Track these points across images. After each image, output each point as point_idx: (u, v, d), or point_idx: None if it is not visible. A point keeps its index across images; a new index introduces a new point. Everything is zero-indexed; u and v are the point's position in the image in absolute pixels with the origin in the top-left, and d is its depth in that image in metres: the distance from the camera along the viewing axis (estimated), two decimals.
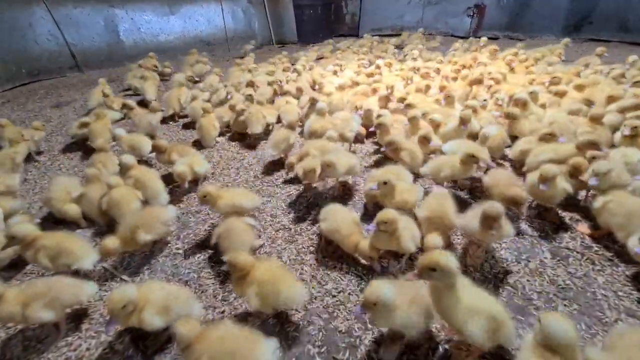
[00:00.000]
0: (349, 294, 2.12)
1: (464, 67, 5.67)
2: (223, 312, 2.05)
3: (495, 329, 1.48)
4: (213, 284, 2.25)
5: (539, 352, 1.32)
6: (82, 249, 2.22)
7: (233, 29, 10.43)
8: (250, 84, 5.24)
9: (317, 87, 5.35)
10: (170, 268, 2.40)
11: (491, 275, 2.18)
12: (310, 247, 2.52)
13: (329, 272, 2.28)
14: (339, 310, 2.02)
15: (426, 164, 2.94)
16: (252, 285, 1.82)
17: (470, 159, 2.68)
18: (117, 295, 1.69)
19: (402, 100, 4.10)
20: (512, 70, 5.45)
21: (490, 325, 1.47)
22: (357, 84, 4.96)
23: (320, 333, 1.89)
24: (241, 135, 4.39)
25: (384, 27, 11.33)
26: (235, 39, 10.47)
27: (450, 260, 1.48)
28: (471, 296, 1.53)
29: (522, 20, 9.51)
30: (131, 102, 4.60)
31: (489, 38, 9.81)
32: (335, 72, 6.12)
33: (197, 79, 6.41)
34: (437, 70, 5.53)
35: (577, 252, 2.33)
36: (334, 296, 2.10)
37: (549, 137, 2.93)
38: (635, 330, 1.49)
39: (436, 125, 3.49)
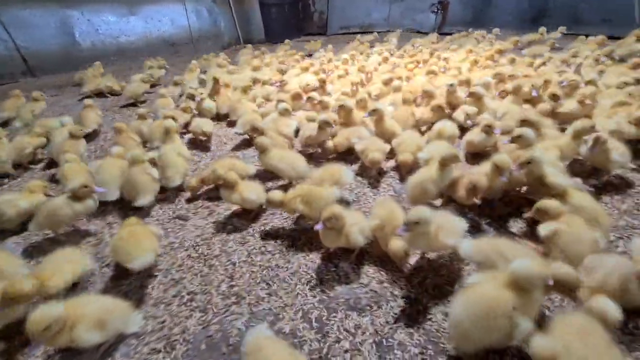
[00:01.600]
0: (297, 294, 2.06)
1: (418, 62, 5.74)
2: (164, 321, 1.95)
3: None
4: (155, 293, 2.14)
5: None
6: None
7: (198, 28, 10.17)
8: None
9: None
10: (108, 280, 2.27)
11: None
12: (261, 249, 2.45)
13: (278, 274, 2.22)
14: (285, 311, 1.96)
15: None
16: None
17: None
18: (38, 316, 1.56)
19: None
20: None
21: None
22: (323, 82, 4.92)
23: None
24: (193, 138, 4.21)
25: (353, 24, 11.38)
26: (201, 39, 10.22)
27: None
28: None
29: (484, 15, 9.79)
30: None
31: (452, 34, 10.06)
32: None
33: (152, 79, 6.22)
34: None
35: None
36: (281, 298, 2.05)
37: (488, 129, 3.00)
38: (576, 316, 1.47)
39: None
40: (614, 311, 1.44)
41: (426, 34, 10.23)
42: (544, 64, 5.36)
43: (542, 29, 7.39)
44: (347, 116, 3.58)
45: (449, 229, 1.96)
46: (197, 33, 10.16)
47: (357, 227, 2.10)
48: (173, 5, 9.73)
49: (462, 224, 2.05)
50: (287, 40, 8.92)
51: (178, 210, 2.95)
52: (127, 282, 2.23)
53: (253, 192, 2.61)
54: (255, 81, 5.24)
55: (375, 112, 3.38)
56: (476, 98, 3.77)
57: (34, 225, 2.46)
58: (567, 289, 1.57)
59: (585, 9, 8.45)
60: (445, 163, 2.42)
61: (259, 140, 3.00)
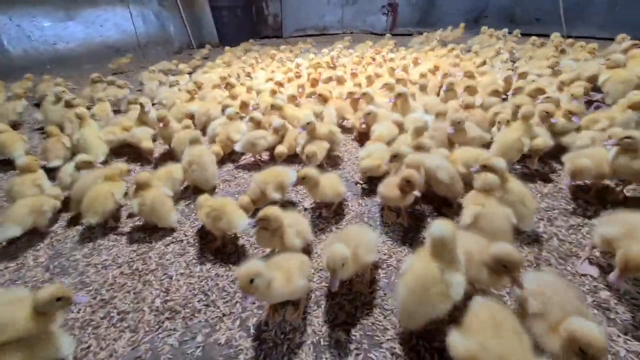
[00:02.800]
0: (236, 302, 2.00)
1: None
2: (89, 346, 1.81)
3: None
4: (81, 315, 1.98)
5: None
6: None
7: (145, 33, 9.72)
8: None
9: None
10: None
11: None
12: (201, 259, 2.36)
13: (218, 283, 2.15)
14: (223, 321, 1.89)
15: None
16: None
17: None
18: None
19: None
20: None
21: None
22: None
23: (199, 349, 1.76)
24: (130, 148, 3.95)
25: (307, 27, 11.45)
26: (149, 45, 9.77)
27: None
28: None
29: (430, 16, 10.26)
30: None
31: (403, 34, 10.45)
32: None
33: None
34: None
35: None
36: (218, 307, 1.98)
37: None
38: (487, 305, 1.43)
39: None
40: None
41: (379, 35, 10.58)
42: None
43: (485, 29, 7.86)
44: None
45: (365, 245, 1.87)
46: (145, 38, 9.70)
47: (294, 229, 2.08)
48: (116, 9, 9.21)
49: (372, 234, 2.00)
50: (251, 40, 8.86)
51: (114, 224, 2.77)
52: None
53: None
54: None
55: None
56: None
57: None
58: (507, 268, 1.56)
59: (519, 10, 9.13)
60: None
61: None
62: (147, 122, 3.93)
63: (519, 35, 7.51)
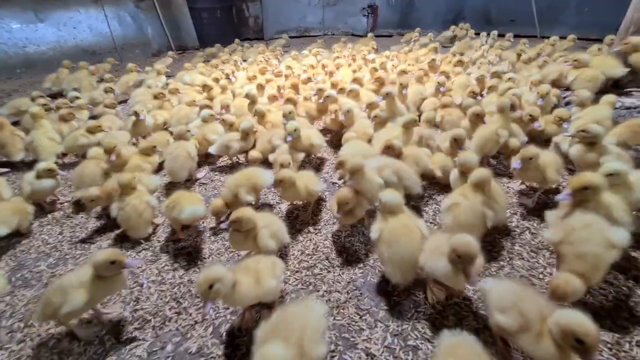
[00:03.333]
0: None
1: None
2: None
3: None
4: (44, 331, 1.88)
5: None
6: None
7: (122, 35, 9.45)
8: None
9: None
10: None
11: None
12: (174, 264, 2.28)
13: (190, 289, 2.08)
14: (194, 329, 1.83)
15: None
16: None
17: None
18: None
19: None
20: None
21: None
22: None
23: (169, 359, 1.69)
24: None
25: (289, 28, 11.41)
26: (126, 47, 9.51)
27: None
28: None
29: (410, 18, 10.41)
30: None
31: (384, 36, 10.58)
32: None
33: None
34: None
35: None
36: (190, 314, 1.91)
37: None
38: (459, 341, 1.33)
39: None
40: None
41: (360, 36, 10.65)
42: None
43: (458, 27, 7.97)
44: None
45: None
46: (121, 40, 9.43)
47: (268, 230, 2.03)
48: (89, 11, 8.92)
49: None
50: (237, 40, 8.76)
51: (80, 232, 2.66)
52: (18, 319, 1.93)
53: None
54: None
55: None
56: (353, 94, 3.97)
57: None
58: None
59: (494, 11, 9.37)
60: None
61: None
62: (141, 130, 3.75)
63: (511, 39, 7.21)
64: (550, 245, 1.98)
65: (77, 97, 4.52)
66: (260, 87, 4.66)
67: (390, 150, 2.60)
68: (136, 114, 3.59)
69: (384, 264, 1.84)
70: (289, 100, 3.94)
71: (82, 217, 2.83)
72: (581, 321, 1.24)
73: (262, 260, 1.76)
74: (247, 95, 4.08)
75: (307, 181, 2.51)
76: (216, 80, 5.01)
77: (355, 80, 4.50)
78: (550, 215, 2.00)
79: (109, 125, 3.85)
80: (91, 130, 3.52)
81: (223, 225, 2.01)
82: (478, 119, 3.09)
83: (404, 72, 4.77)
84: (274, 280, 1.69)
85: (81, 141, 3.45)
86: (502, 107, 2.92)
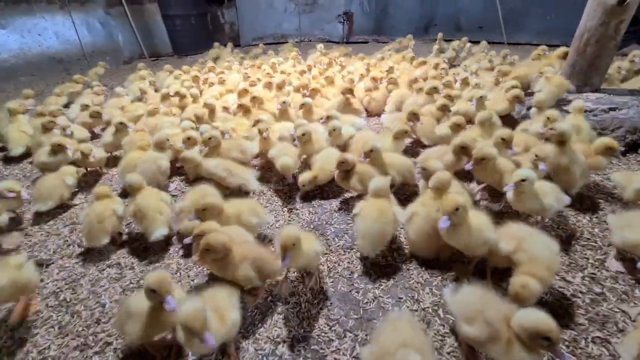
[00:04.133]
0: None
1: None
2: None
3: None
4: None
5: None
6: None
7: (91, 43, 9.15)
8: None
9: None
10: None
11: None
12: (140, 282, 2.20)
13: None
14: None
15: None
16: None
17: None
18: None
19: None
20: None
21: None
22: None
23: None
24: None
25: (265, 35, 11.40)
26: (96, 55, 9.19)
27: None
28: None
29: (384, 25, 10.64)
30: None
31: (360, 42, 10.74)
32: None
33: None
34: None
35: None
36: None
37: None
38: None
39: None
40: None
41: (336, 42, 10.79)
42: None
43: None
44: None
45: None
46: (90, 48, 9.13)
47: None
48: (56, 18, 8.60)
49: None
50: (228, 45, 8.68)
51: (39, 252, 2.52)
52: None
53: None
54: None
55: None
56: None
57: None
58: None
59: (464, 18, 9.72)
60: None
61: None
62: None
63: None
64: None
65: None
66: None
67: (344, 164, 2.62)
68: (121, 124, 3.56)
69: (358, 236, 2.09)
70: (241, 107, 4.05)
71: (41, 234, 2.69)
72: (543, 319, 1.28)
73: (220, 292, 1.63)
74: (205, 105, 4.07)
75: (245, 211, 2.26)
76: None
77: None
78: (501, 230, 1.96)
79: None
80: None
81: (186, 241, 1.95)
82: (459, 128, 3.15)
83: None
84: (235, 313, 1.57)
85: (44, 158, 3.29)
86: (481, 120, 3.07)
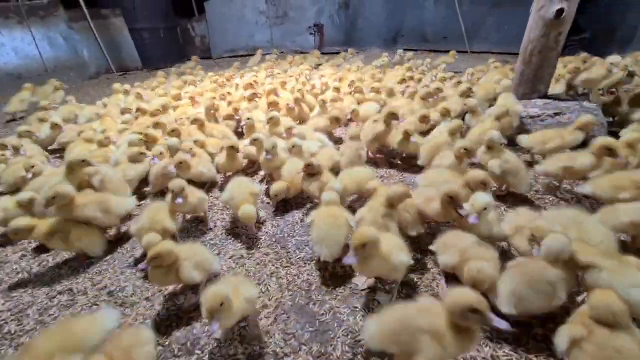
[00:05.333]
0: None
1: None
2: None
3: None
4: None
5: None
6: None
7: (53, 58, 8.87)
8: None
9: None
10: None
11: None
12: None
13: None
14: None
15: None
16: None
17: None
18: None
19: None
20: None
21: None
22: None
23: None
24: None
25: (237, 47, 11.45)
26: (59, 70, 8.90)
27: None
28: None
29: (353, 37, 10.94)
30: None
31: (331, 53, 10.95)
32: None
33: None
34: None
35: None
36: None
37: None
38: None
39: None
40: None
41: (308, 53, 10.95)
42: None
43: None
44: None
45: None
46: (53, 63, 8.83)
47: (191, 262, 1.98)
48: (14, 33, 8.30)
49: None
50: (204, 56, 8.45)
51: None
52: None
53: None
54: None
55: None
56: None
57: None
58: None
59: (429, 29, 10.15)
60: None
61: None
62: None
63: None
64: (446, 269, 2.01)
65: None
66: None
67: (310, 167, 2.68)
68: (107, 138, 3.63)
69: (314, 243, 2.16)
70: (196, 121, 4.04)
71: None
72: (468, 292, 1.33)
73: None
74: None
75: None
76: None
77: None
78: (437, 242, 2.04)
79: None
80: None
81: (141, 266, 1.91)
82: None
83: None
84: None
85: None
86: (452, 130, 3.20)
